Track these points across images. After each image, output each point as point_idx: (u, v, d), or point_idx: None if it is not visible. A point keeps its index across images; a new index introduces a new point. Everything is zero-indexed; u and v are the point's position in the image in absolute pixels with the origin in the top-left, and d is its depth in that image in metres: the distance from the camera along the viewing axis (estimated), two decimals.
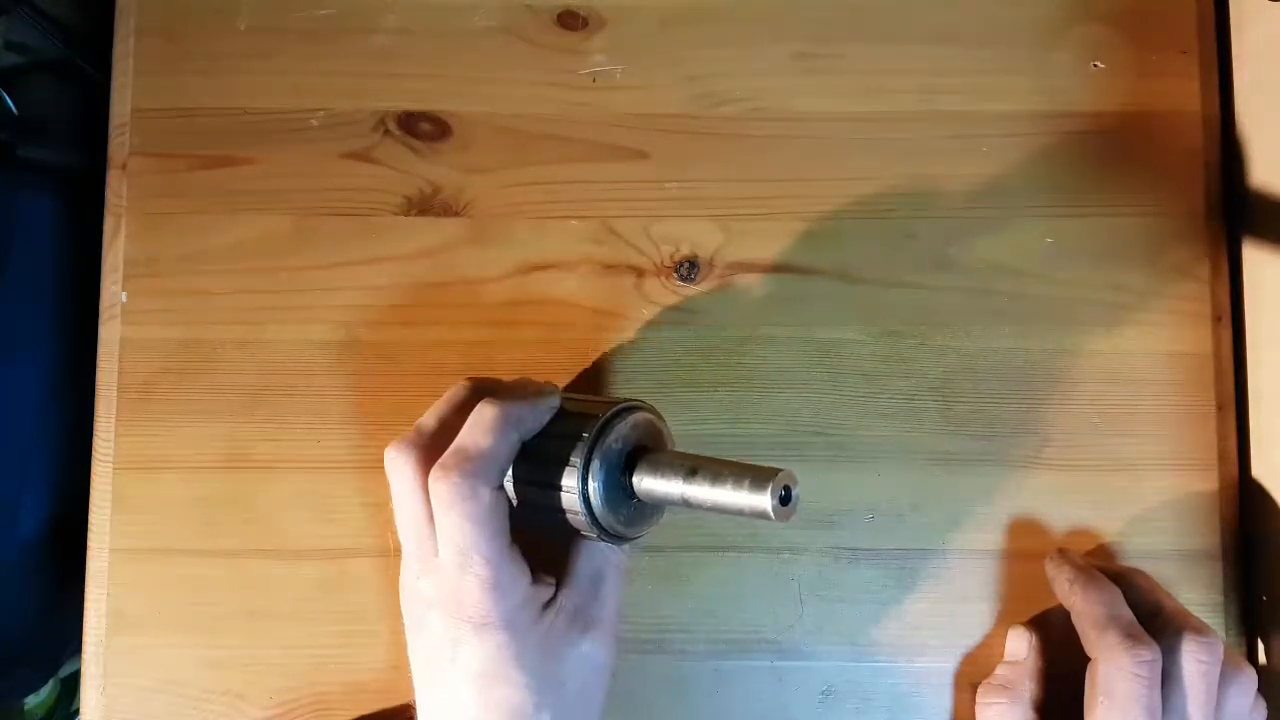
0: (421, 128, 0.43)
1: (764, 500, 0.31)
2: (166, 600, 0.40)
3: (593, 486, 0.33)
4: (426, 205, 0.42)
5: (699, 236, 0.42)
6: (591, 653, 0.34)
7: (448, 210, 0.42)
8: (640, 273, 0.42)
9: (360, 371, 0.41)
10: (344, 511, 0.41)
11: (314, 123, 0.43)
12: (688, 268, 0.42)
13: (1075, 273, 0.42)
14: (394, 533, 0.40)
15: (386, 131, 0.42)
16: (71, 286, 0.44)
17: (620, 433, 0.34)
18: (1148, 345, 0.42)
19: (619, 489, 0.34)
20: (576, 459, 0.33)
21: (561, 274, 0.42)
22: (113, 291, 0.42)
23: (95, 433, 0.41)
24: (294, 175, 0.42)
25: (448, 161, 0.42)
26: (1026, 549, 0.41)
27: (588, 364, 0.41)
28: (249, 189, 0.42)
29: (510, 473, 0.34)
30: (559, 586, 0.35)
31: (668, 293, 0.42)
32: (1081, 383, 0.41)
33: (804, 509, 0.41)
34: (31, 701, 0.55)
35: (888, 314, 0.42)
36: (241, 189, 0.42)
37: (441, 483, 0.31)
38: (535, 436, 0.34)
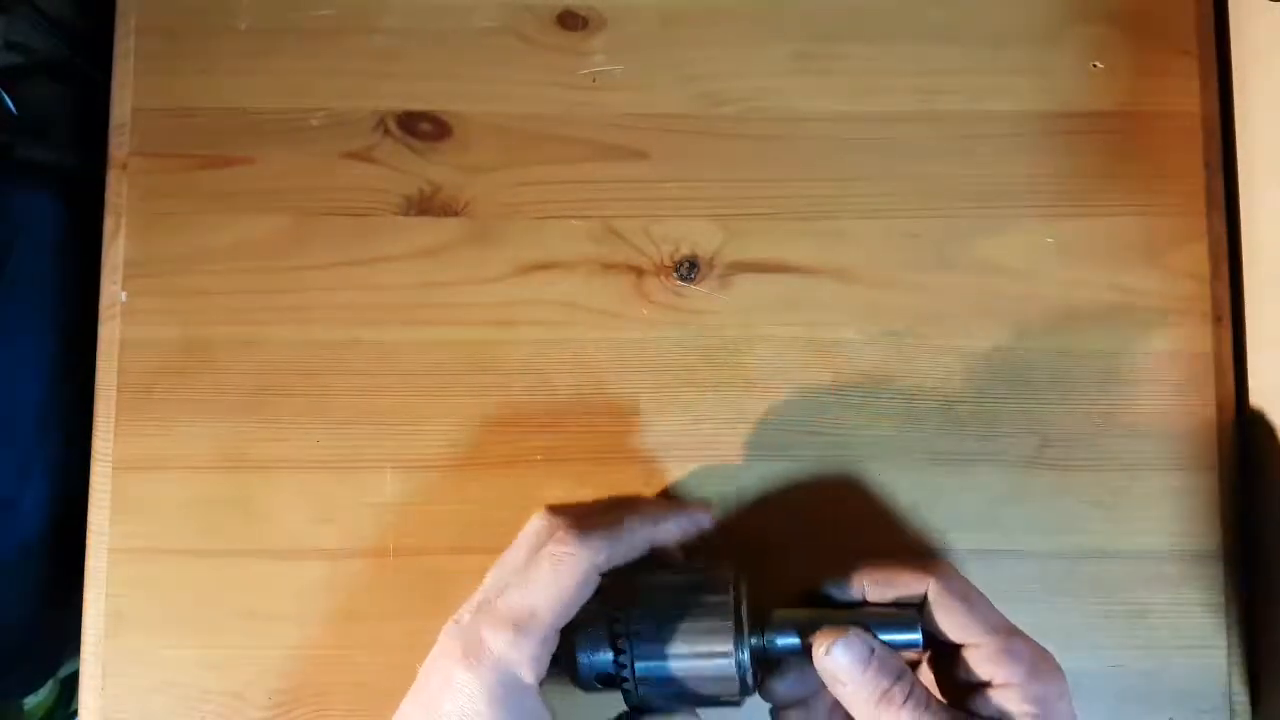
0: (421, 128, 0.43)
1: (915, 635, 0.33)
2: (165, 600, 0.40)
3: (747, 652, 0.33)
4: (426, 205, 0.42)
5: (699, 236, 0.42)
6: None
7: (448, 210, 0.42)
8: (640, 273, 0.42)
9: (360, 371, 0.41)
10: (344, 511, 0.41)
11: (314, 123, 0.43)
12: (688, 268, 0.42)
13: (1075, 273, 0.42)
14: (394, 533, 0.41)
15: (386, 131, 0.42)
16: (71, 286, 0.44)
17: (745, 596, 0.34)
18: (1148, 345, 0.42)
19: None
20: (728, 624, 0.33)
21: (561, 274, 0.42)
22: (112, 291, 0.42)
23: (94, 433, 0.41)
24: (294, 175, 0.42)
25: (448, 161, 0.42)
26: (1027, 549, 0.41)
27: (588, 364, 0.41)
28: (249, 189, 0.42)
29: (630, 647, 0.33)
30: None
31: (668, 293, 0.42)
32: (1081, 383, 0.41)
33: (803, 510, 0.41)
34: (31, 702, 0.55)
35: (888, 314, 0.42)
36: (241, 189, 0.42)
37: (564, 536, 0.32)
38: (662, 606, 0.34)
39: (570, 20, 0.43)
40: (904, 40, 0.43)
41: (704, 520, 0.36)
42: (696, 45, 0.43)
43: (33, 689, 0.51)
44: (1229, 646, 0.40)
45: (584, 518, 0.33)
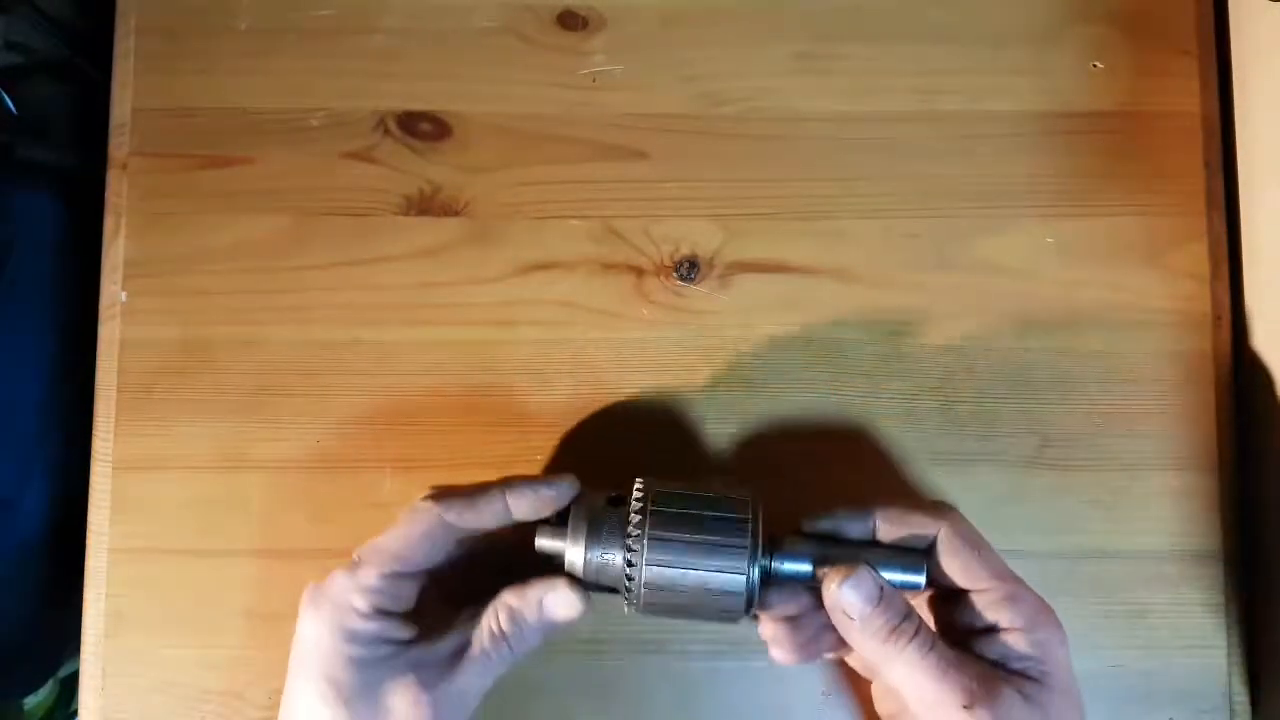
0: (421, 128, 0.43)
1: (919, 578, 0.34)
2: (165, 600, 0.40)
3: (757, 571, 0.34)
4: (426, 205, 0.42)
5: (699, 236, 0.42)
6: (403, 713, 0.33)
7: (448, 210, 0.42)
8: (640, 273, 0.42)
9: (360, 371, 0.41)
10: (343, 511, 0.41)
11: (314, 123, 0.43)
12: (688, 268, 0.42)
13: (1075, 273, 0.42)
14: None
15: (386, 131, 0.42)
16: (71, 286, 0.44)
17: (763, 519, 0.35)
18: (1147, 345, 0.42)
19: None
20: (745, 541, 0.33)
21: (561, 274, 0.42)
22: (112, 291, 0.42)
23: (94, 433, 0.41)
24: (294, 175, 0.42)
25: (448, 161, 0.42)
26: (1027, 549, 0.41)
27: (588, 364, 0.41)
28: (249, 189, 0.42)
29: (648, 550, 0.34)
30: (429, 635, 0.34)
31: (668, 293, 0.42)
32: (1081, 383, 0.41)
33: (801, 510, 0.41)
34: (30, 701, 0.55)
35: (888, 314, 0.42)
36: (241, 189, 0.42)
37: (426, 495, 0.35)
38: (675, 522, 0.34)
39: (570, 20, 0.43)
40: (904, 40, 0.43)
41: (564, 492, 0.35)
42: (696, 45, 0.43)
43: (33, 689, 0.51)
44: (1229, 646, 0.40)
45: (453, 488, 0.35)
